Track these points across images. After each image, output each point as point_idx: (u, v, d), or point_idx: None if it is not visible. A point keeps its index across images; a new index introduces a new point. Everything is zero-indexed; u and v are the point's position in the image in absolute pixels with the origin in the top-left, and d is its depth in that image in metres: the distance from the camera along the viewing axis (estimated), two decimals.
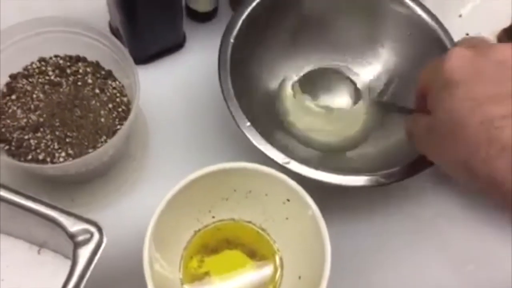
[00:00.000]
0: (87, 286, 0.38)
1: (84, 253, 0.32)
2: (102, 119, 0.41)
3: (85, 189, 0.43)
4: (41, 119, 0.40)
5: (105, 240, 0.32)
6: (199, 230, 0.41)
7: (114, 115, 0.42)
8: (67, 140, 0.40)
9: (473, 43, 0.35)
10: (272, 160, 0.39)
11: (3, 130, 0.40)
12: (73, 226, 0.32)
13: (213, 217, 0.41)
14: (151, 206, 0.36)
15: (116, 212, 0.43)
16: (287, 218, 0.40)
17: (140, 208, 0.40)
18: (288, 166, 0.39)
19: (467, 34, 0.54)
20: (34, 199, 0.33)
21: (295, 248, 0.40)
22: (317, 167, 0.39)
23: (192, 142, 0.46)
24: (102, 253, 0.36)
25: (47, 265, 0.38)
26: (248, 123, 0.40)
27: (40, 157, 0.39)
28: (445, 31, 0.46)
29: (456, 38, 0.45)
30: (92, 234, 0.32)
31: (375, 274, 0.44)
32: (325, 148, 0.47)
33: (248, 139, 0.40)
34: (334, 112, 0.49)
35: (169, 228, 0.38)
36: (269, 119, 0.47)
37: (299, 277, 0.38)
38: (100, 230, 0.32)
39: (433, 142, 0.35)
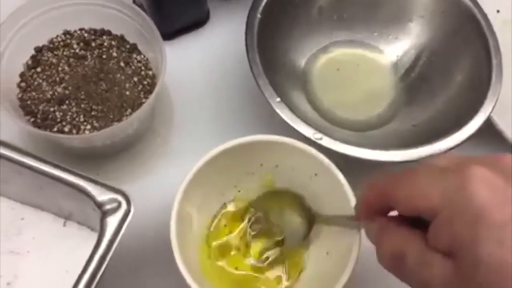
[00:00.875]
0: (114, 258, 0.38)
1: (112, 222, 0.31)
2: (127, 92, 0.41)
3: (110, 164, 0.43)
4: (67, 92, 0.40)
5: (132, 209, 0.32)
6: (225, 204, 0.40)
7: (139, 88, 0.41)
8: (93, 113, 0.40)
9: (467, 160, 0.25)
10: (303, 136, 0.38)
11: (28, 102, 0.40)
12: (101, 195, 0.32)
13: (239, 191, 0.41)
14: (176, 181, 0.35)
15: (141, 187, 0.42)
16: (314, 193, 0.39)
17: (165, 183, 0.40)
18: (321, 142, 0.38)
19: (498, 12, 0.53)
20: (62, 169, 0.33)
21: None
22: (350, 143, 0.38)
23: (217, 118, 0.46)
24: (129, 226, 0.36)
25: (72, 237, 0.38)
26: (278, 99, 0.40)
27: (66, 129, 0.39)
28: (479, 7, 0.45)
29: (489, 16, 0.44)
30: (119, 203, 0.32)
31: None
32: (352, 126, 0.46)
33: (279, 115, 0.39)
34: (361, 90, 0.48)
35: (195, 201, 0.37)
36: (296, 95, 0.46)
37: (327, 253, 0.38)
38: (127, 199, 0.32)
39: None
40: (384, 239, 0.27)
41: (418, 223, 0.26)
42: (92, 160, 0.42)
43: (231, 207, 0.41)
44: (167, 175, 0.43)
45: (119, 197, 0.32)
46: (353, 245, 0.34)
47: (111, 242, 0.31)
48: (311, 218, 0.38)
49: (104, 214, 0.31)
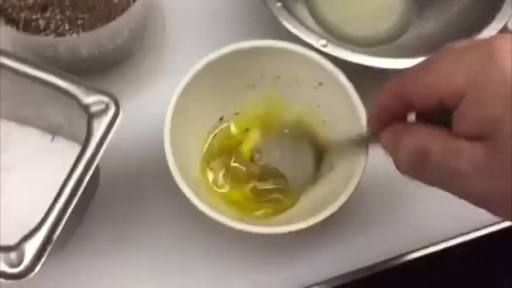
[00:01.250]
0: (106, 174, 0.36)
1: (99, 125, 0.29)
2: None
3: (99, 80, 0.40)
4: None
5: (121, 113, 0.29)
6: (222, 119, 0.38)
7: None
8: (78, 22, 0.37)
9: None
10: (306, 43, 0.35)
11: (9, 10, 0.37)
12: (86, 97, 0.29)
13: (239, 109, 0.38)
14: (170, 98, 0.33)
15: (133, 104, 0.39)
16: (319, 106, 0.36)
17: (158, 100, 0.37)
18: (325, 49, 0.35)
19: None
20: (44, 69, 0.30)
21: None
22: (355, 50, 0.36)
23: (213, 30, 0.43)
24: (122, 141, 0.33)
25: (60, 152, 0.36)
26: (279, 3, 0.36)
27: (50, 38, 0.36)
28: None
29: None
30: (107, 105, 0.29)
31: None
32: (358, 41, 0.43)
33: (279, 21, 0.36)
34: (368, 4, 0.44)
35: (189, 114, 0.35)
36: (299, 8, 0.43)
37: (332, 167, 0.35)
38: (116, 101, 0.29)
39: (492, 181, 0.21)
40: (404, 139, 0.24)
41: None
42: (80, 76, 0.40)
43: (232, 127, 0.38)
44: (160, 91, 0.40)
45: (106, 99, 0.29)
46: (360, 158, 0.32)
47: (98, 146, 0.28)
48: (319, 153, 0.35)
49: (91, 117, 0.29)
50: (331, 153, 0.34)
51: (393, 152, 0.25)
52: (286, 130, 0.38)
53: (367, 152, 0.32)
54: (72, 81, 0.30)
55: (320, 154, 0.35)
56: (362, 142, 0.32)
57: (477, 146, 0.21)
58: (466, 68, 0.21)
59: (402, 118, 0.26)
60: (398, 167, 0.25)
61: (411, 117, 0.26)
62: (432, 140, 0.23)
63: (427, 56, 0.24)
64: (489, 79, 0.20)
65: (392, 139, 0.25)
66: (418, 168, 0.24)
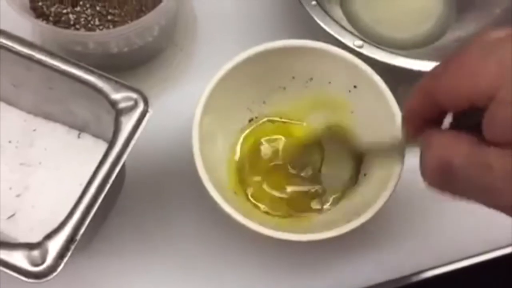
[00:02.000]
0: (132, 170, 0.35)
1: (127, 122, 0.28)
2: None
3: (129, 77, 0.39)
4: None
5: (151, 110, 0.29)
6: (252, 120, 0.36)
7: None
8: (109, 17, 0.36)
9: None
10: (341, 43, 0.34)
11: (39, 3, 0.36)
12: (114, 92, 0.29)
13: (268, 108, 0.37)
14: (199, 97, 0.32)
15: (162, 102, 0.39)
16: (352, 112, 0.35)
17: (187, 99, 0.37)
18: (362, 50, 0.34)
19: None
20: (72, 63, 0.29)
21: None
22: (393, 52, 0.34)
23: (244, 30, 0.41)
24: (150, 139, 0.32)
25: (87, 149, 0.35)
26: (314, 2, 0.35)
27: (80, 33, 0.35)
28: None
29: None
30: (136, 102, 0.28)
31: None
32: (394, 44, 0.41)
33: (314, 20, 0.35)
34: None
35: (218, 114, 0.34)
36: (331, 9, 0.41)
37: (364, 174, 0.34)
38: (145, 98, 0.29)
39: None
40: (427, 150, 0.22)
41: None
42: (109, 73, 0.39)
43: (264, 146, 0.37)
44: (189, 90, 0.39)
45: (135, 95, 0.28)
46: (395, 167, 0.30)
47: (126, 143, 0.28)
48: (358, 158, 0.34)
49: (119, 113, 0.28)
50: (366, 159, 0.33)
51: (420, 163, 0.23)
52: (318, 137, 0.36)
53: (402, 161, 0.30)
54: (101, 76, 0.29)
55: (357, 160, 0.33)
56: (398, 149, 0.30)
57: (509, 154, 0.18)
58: (497, 62, 0.19)
59: (438, 122, 0.23)
60: (425, 179, 0.22)
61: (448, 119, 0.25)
62: (454, 150, 0.20)
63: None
64: None
65: (422, 149, 0.23)
66: (443, 180, 0.21)
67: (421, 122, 0.23)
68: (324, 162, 0.34)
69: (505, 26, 0.20)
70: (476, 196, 0.20)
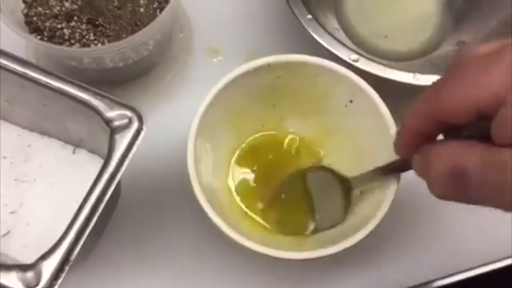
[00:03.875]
0: (128, 187, 0.35)
1: (122, 140, 0.28)
2: (141, 10, 0.37)
3: (124, 92, 0.39)
4: (75, 7, 0.36)
5: (145, 128, 0.28)
6: (246, 141, 0.36)
7: (154, 5, 0.37)
8: (104, 32, 0.36)
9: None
10: (337, 57, 0.34)
11: (34, 18, 0.36)
12: (109, 110, 0.28)
13: (263, 125, 0.37)
14: (194, 113, 0.32)
15: (156, 116, 0.39)
16: (347, 127, 0.35)
17: (182, 113, 0.37)
18: (357, 64, 0.34)
19: None
20: (67, 81, 0.29)
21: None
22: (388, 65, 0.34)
23: (240, 43, 0.41)
24: (144, 154, 0.32)
25: (82, 165, 0.35)
26: (310, 16, 0.35)
27: (74, 48, 0.35)
28: None
29: None
30: (130, 120, 0.28)
31: None
32: (390, 56, 0.41)
33: (309, 34, 0.35)
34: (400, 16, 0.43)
35: (211, 133, 0.33)
36: (328, 21, 0.41)
37: (360, 192, 0.34)
38: (139, 116, 0.28)
39: None
40: (434, 160, 0.22)
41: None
42: (104, 88, 0.39)
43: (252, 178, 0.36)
44: (184, 104, 0.39)
45: (130, 113, 0.28)
46: (390, 185, 0.30)
47: (120, 161, 0.27)
48: (346, 189, 0.33)
49: (113, 132, 0.28)
50: (361, 187, 0.33)
51: (425, 176, 0.23)
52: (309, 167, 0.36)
53: (398, 181, 0.30)
54: (95, 94, 0.29)
55: (349, 191, 0.33)
56: (393, 170, 0.30)
57: None
58: (502, 69, 0.19)
59: (431, 140, 0.24)
60: (433, 191, 0.23)
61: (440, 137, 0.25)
62: (467, 155, 0.20)
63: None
64: None
65: (423, 163, 0.23)
66: (457, 189, 0.21)
67: (419, 140, 0.24)
68: (314, 207, 0.34)
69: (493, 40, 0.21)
70: (492, 199, 0.20)
